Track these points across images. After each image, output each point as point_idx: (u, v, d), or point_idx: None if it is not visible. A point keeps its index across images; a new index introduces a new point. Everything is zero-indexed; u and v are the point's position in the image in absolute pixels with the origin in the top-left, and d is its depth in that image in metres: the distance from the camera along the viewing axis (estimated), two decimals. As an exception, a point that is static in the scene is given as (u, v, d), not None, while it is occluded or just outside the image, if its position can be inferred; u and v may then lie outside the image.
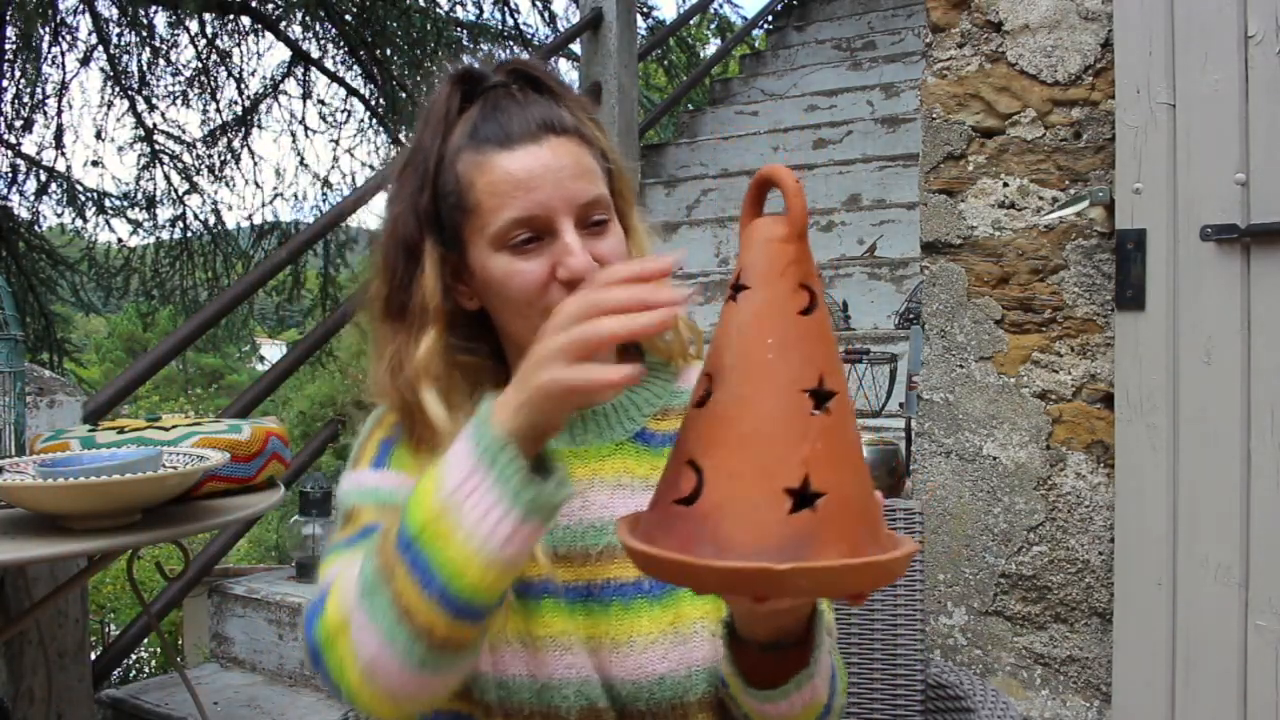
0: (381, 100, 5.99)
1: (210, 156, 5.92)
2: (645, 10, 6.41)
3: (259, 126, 6.09)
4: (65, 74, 5.41)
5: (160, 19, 5.54)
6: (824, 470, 0.57)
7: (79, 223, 5.47)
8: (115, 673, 3.07)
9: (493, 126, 0.82)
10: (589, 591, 0.85)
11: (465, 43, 5.96)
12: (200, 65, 5.76)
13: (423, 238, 0.84)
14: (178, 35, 5.67)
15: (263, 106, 6.05)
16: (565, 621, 0.83)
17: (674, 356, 0.95)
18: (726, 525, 0.57)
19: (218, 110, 5.89)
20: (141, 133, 5.65)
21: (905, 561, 0.58)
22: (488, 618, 0.68)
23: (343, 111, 6.17)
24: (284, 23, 5.78)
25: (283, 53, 6.13)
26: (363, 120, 6.18)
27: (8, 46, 4.89)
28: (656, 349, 0.94)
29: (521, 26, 6.39)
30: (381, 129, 6.13)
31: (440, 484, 0.65)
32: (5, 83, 5.02)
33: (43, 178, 5.33)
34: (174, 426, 1.69)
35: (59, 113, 5.43)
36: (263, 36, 5.93)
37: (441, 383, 0.83)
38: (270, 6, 5.79)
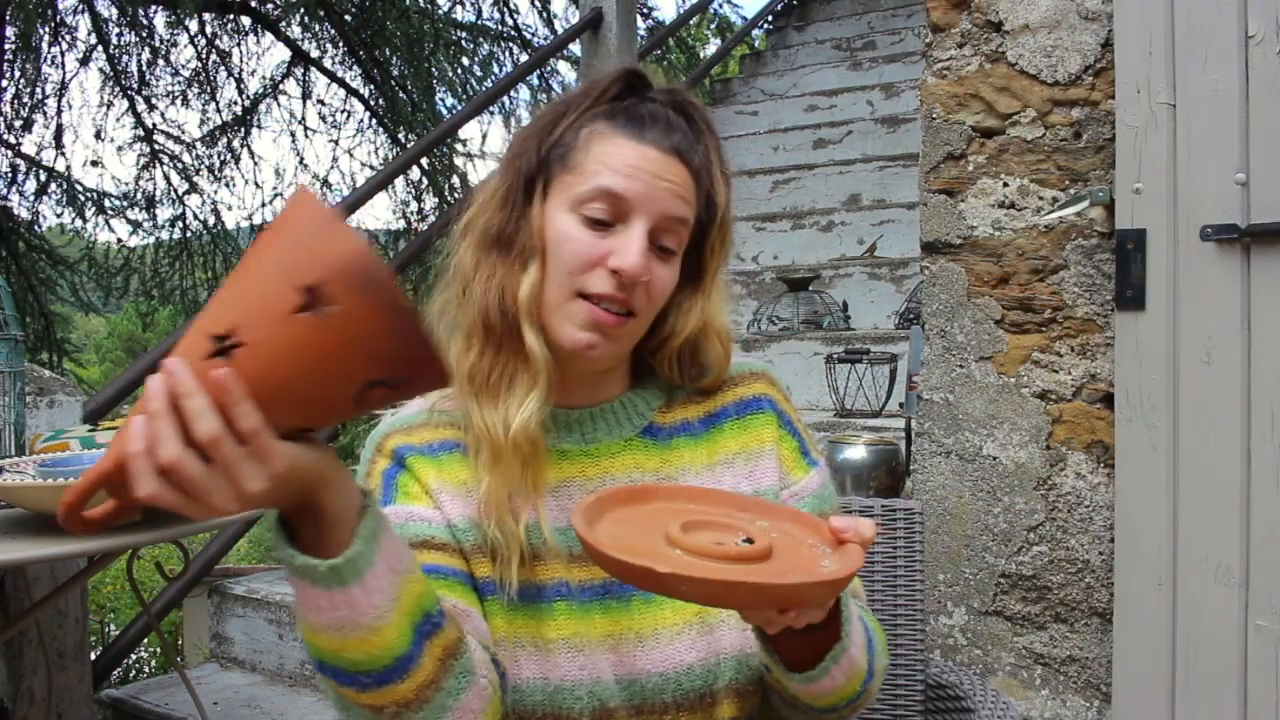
0: (381, 100, 5.99)
1: (210, 157, 5.92)
2: (645, 11, 6.41)
3: (259, 126, 6.09)
4: (65, 74, 5.41)
5: (160, 19, 5.54)
6: None
7: (79, 223, 5.47)
8: (115, 673, 3.07)
9: (635, 121, 0.85)
10: (606, 589, 0.85)
11: (465, 43, 5.96)
12: (200, 65, 5.76)
13: (538, 176, 0.86)
14: (177, 35, 5.67)
15: (262, 106, 6.05)
16: (579, 623, 0.84)
17: (681, 384, 0.95)
18: None
19: (217, 110, 5.90)
20: (141, 133, 5.64)
21: None
22: (388, 679, 0.70)
23: (342, 112, 6.18)
24: (283, 23, 5.78)
25: (282, 53, 6.14)
26: (362, 120, 6.19)
27: (7, 46, 4.89)
28: (671, 379, 0.94)
29: (521, 27, 6.40)
30: (381, 129, 6.12)
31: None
32: (5, 83, 5.02)
33: (42, 178, 5.33)
34: (174, 426, 1.68)
35: (59, 113, 5.43)
36: (262, 36, 5.93)
37: (534, 319, 0.84)
38: (270, 6, 5.79)
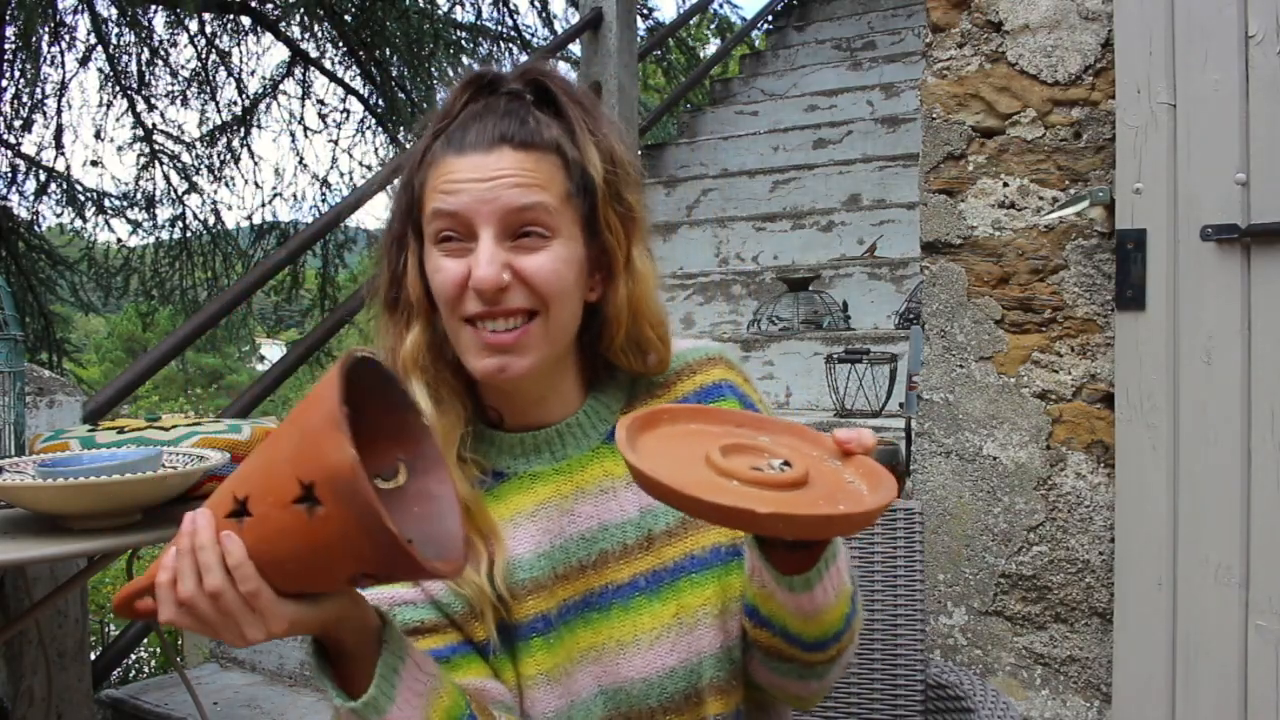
0: (380, 100, 5.99)
1: (209, 156, 5.92)
2: (645, 13, 6.41)
3: (258, 126, 6.09)
4: (65, 74, 5.41)
5: (159, 19, 5.54)
6: None
7: (79, 223, 5.47)
8: (115, 673, 3.07)
9: (459, 132, 0.82)
10: (586, 602, 0.85)
11: (464, 43, 5.96)
12: (199, 65, 5.76)
13: (405, 231, 0.86)
14: (177, 35, 5.67)
15: (262, 106, 6.05)
16: (554, 654, 0.84)
17: (646, 373, 0.93)
18: None
19: (217, 110, 5.90)
20: (141, 133, 5.64)
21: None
22: None
23: (341, 111, 6.18)
24: (283, 23, 5.78)
25: (282, 53, 6.14)
26: (362, 120, 6.19)
27: (7, 46, 4.89)
28: (637, 370, 0.92)
29: (520, 28, 6.40)
30: (380, 129, 6.12)
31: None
32: (5, 83, 5.01)
33: (42, 178, 5.33)
34: (174, 426, 1.68)
35: (58, 113, 5.43)
36: (262, 36, 5.93)
37: (428, 375, 0.84)
38: (270, 6, 5.79)
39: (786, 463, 0.70)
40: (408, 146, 5.75)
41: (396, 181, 0.89)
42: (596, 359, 0.91)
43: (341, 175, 6.32)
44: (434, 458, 0.75)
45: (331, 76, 6.04)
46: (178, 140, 5.81)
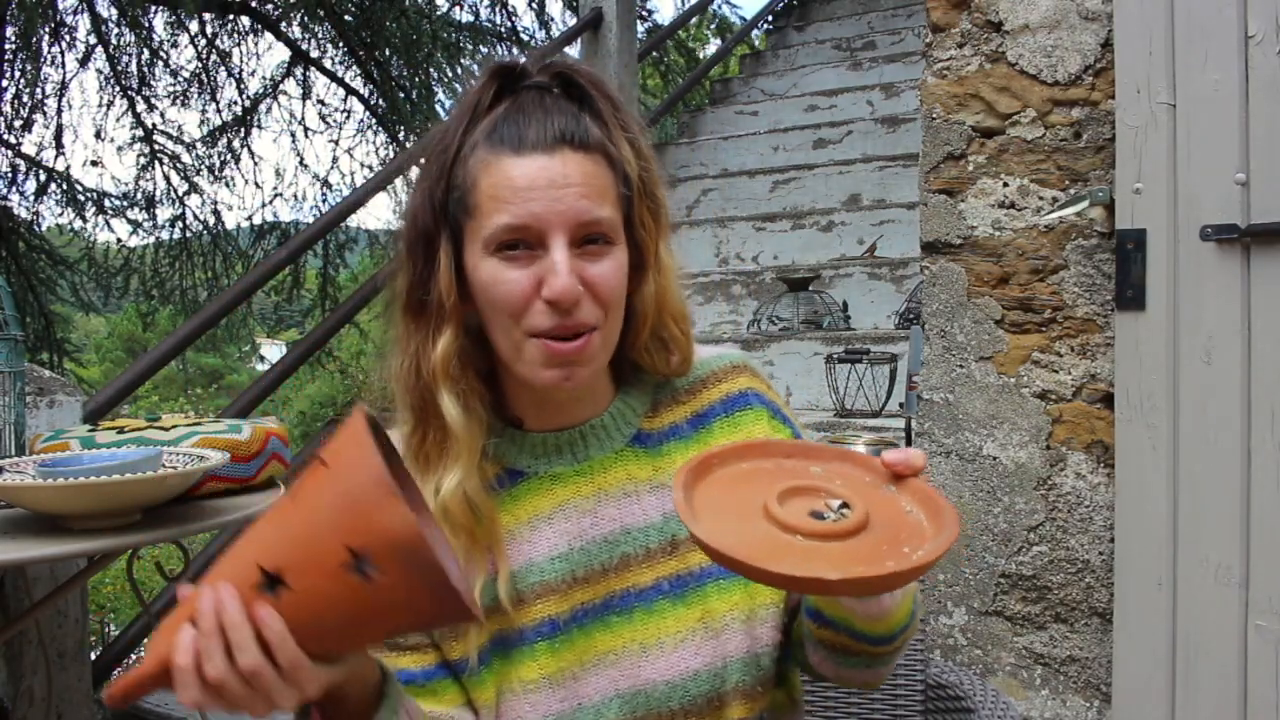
0: (381, 101, 5.99)
1: (210, 157, 5.92)
2: (645, 15, 6.41)
3: (258, 127, 6.10)
4: (65, 74, 5.42)
5: (159, 19, 5.55)
6: None
7: (79, 223, 5.48)
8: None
9: (511, 129, 0.79)
10: (607, 605, 0.84)
11: (464, 44, 5.96)
12: (200, 65, 5.76)
13: (439, 231, 0.81)
14: (177, 35, 5.67)
15: (262, 107, 6.06)
16: (560, 657, 0.83)
17: (669, 374, 0.92)
18: None
19: (217, 110, 5.90)
20: (141, 133, 5.65)
21: None
22: None
23: (342, 112, 6.18)
24: (283, 23, 5.78)
25: (282, 53, 6.15)
26: (362, 120, 6.19)
27: (8, 46, 4.89)
28: (661, 370, 0.91)
29: (519, 29, 6.40)
30: (381, 129, 6.13)
31: None
32: (5, 83, 5.02)
33: (42, 178, 5.33)
34: (174, 426, 1.68)
35: (59, 113, 5.44)
36: (262, 36, 5.93)
37: (460, 385, 0.81)
38: (270, 7, 5.79)
39: (845, 504, 0.69)
40: (408, 145, 5.73)
41: (414, 174, 0.85)
42: (623, 358, 0.90)
43: (342, 175, 6.36)
44: (420, 500, 0.75)
45: (332, 76, 6.04)
46: (178, 140, 5.82)
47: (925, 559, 0.63)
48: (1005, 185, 1.72)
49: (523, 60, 0.85)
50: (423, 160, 0.84)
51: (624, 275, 0.82)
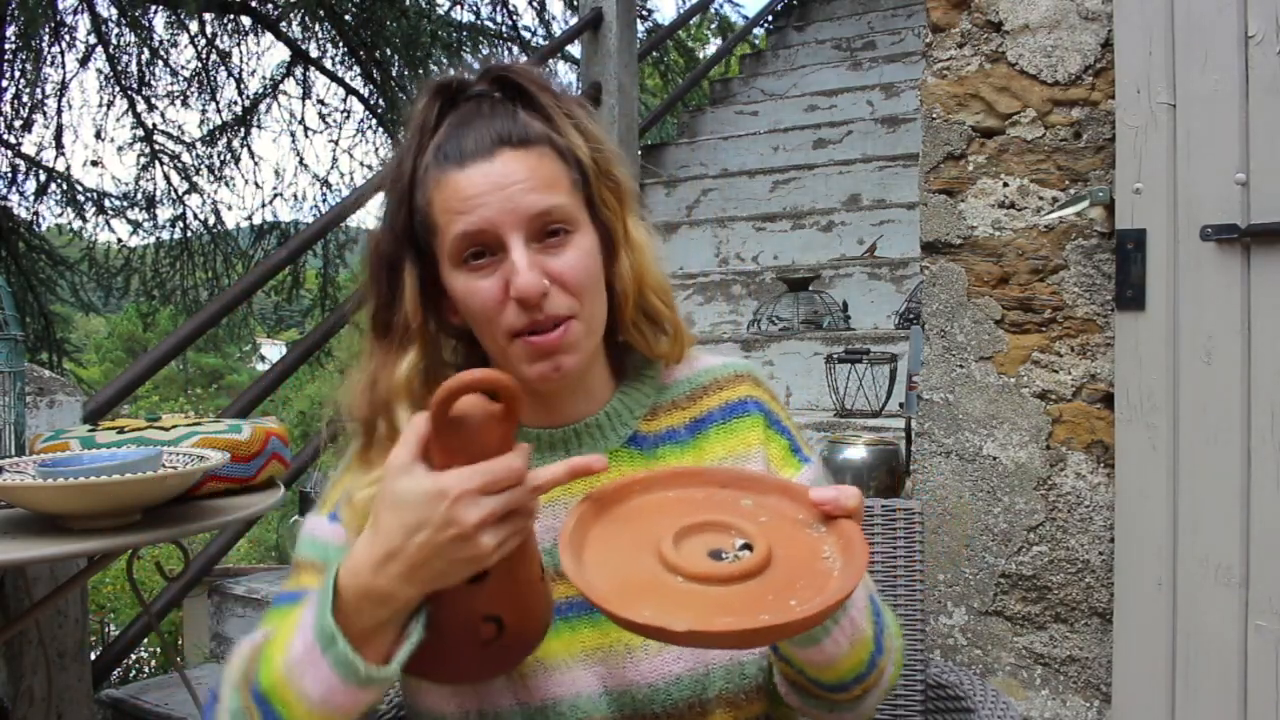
0: (381, 100, 5.99)
1: (210, 156, 5.92)
2: (645, 15, 6.41)
3: (258, 126, 6.09)
4: (65, 74, 5.42)
5: (159, 19, 5.54)
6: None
7: (79, 223, 5.47)
8: (115, 673, 3.07)
9: (453, 143, 0.81)
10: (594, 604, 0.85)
11: (464, 44, 5.96)
12: (200, 65, 5.76)
13: (402, 256, 0.84)
14: (177, 35, 5.67)
15: (262, 106, 6.05)
16: (561, 641, 0.83)
17: (664, 358, 0.93)
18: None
19: (217, 110, 5.90)
20: (141, 133, 5.65)
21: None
22: None
23: (342, 112, 6.18)
24: (283, 23, 5.78)
25: (282, 53, 6.14)
26: (362, 120, 6.19)
27: (8, 46, 4.89)
28: (655, 352, 0.92)
29: (520, 29, 6.40)
30: (381, 129, 6.13)
31: (288, 649, 0.70)
32: (5, 83, 5.02)
33: (42, 178, 5.33)
34: (174, 426, 1.68)
35: (59, 113, 5.43)
36: (262, 36, 5.93)
37: (419, 403, 0.82)
38: (270, 6, 5.79)
39: (748, 544, 0.66)
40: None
41: (380, 202, 0.87)
42: (622, 353, 0.91)
43: (342, 175, 6.33)
44: None
45: (332, 76, 6.04)
46: (178, 140, 5.81)
47: (803, 614, 0.60)
48: (1005, 185, 1.72)
49: (458, 74, 0.86)
50: (386, 188, 0.86)
51: (592, 260, 0.83)
